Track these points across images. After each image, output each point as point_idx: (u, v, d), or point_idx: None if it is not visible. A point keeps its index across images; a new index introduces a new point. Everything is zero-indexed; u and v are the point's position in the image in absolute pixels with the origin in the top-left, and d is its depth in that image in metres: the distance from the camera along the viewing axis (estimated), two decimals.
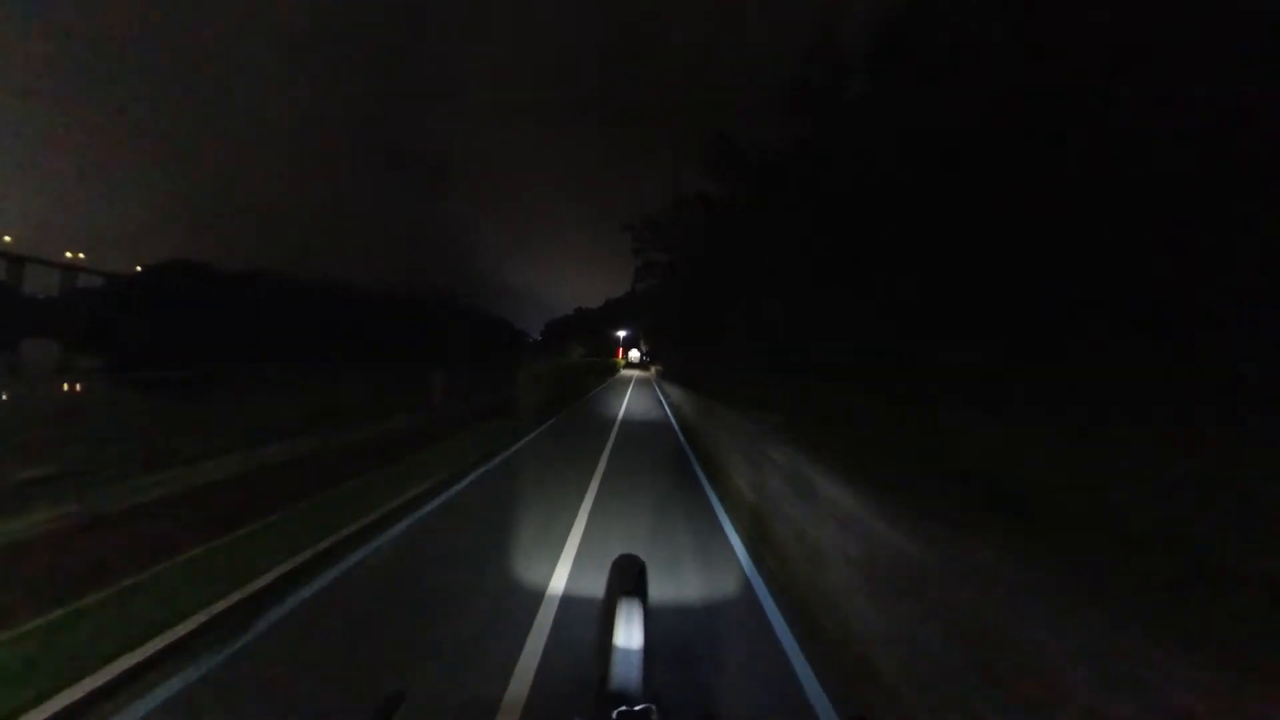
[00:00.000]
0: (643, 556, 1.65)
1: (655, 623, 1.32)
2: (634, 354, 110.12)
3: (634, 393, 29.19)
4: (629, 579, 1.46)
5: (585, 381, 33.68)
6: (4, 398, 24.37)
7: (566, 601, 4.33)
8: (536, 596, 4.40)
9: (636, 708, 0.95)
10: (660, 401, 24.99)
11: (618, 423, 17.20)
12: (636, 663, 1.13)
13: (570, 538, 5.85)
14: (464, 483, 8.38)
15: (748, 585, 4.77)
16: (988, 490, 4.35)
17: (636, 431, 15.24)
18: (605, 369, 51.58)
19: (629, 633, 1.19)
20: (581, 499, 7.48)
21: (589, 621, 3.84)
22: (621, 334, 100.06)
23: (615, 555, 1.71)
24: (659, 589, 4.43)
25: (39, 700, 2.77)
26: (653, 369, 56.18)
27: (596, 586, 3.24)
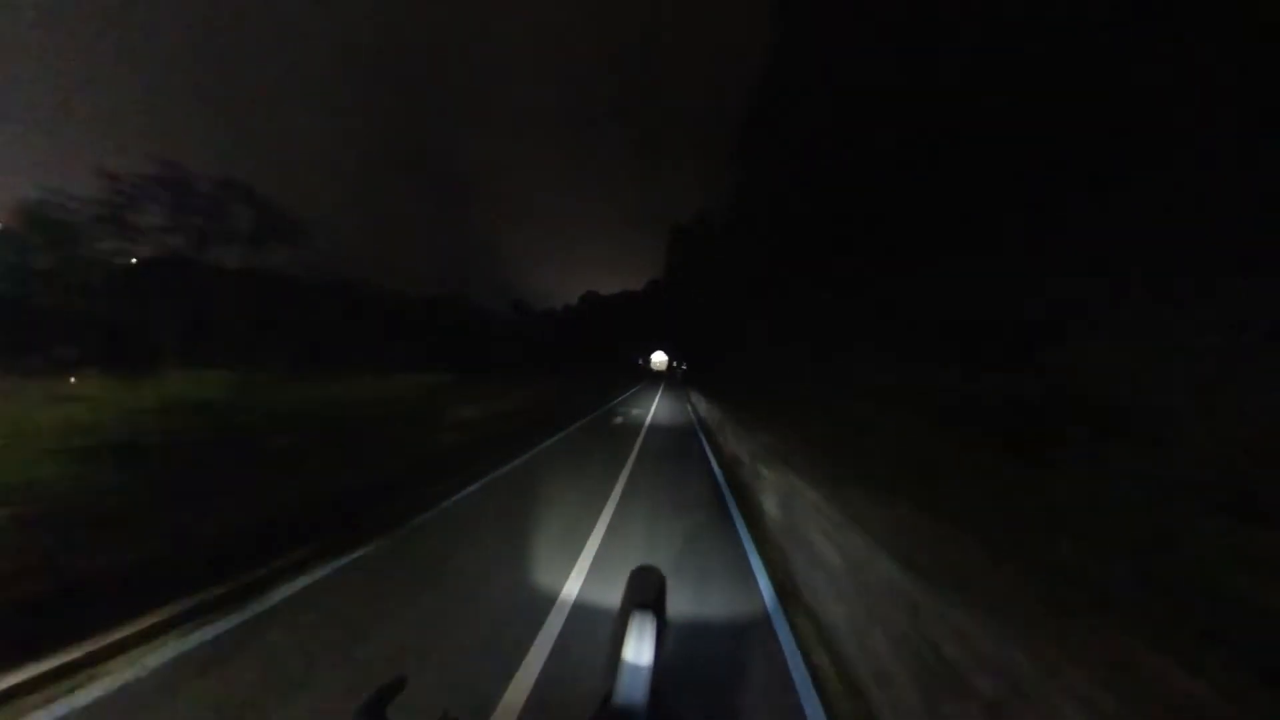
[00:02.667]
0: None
1: (671, 638, 0.89)
2: (658, 357, 75.13)
3: None
4: (646, 592, 1.37)
5: None
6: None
7: None
8: None
9: None
10: None
11: None
12: (644, 680, 1.05)
13: None
14: None
15: None
16: None
17: None
18: None
19: (640, 648, 1.11)
20: None
21: None
22: None
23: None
24: None
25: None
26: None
27: None
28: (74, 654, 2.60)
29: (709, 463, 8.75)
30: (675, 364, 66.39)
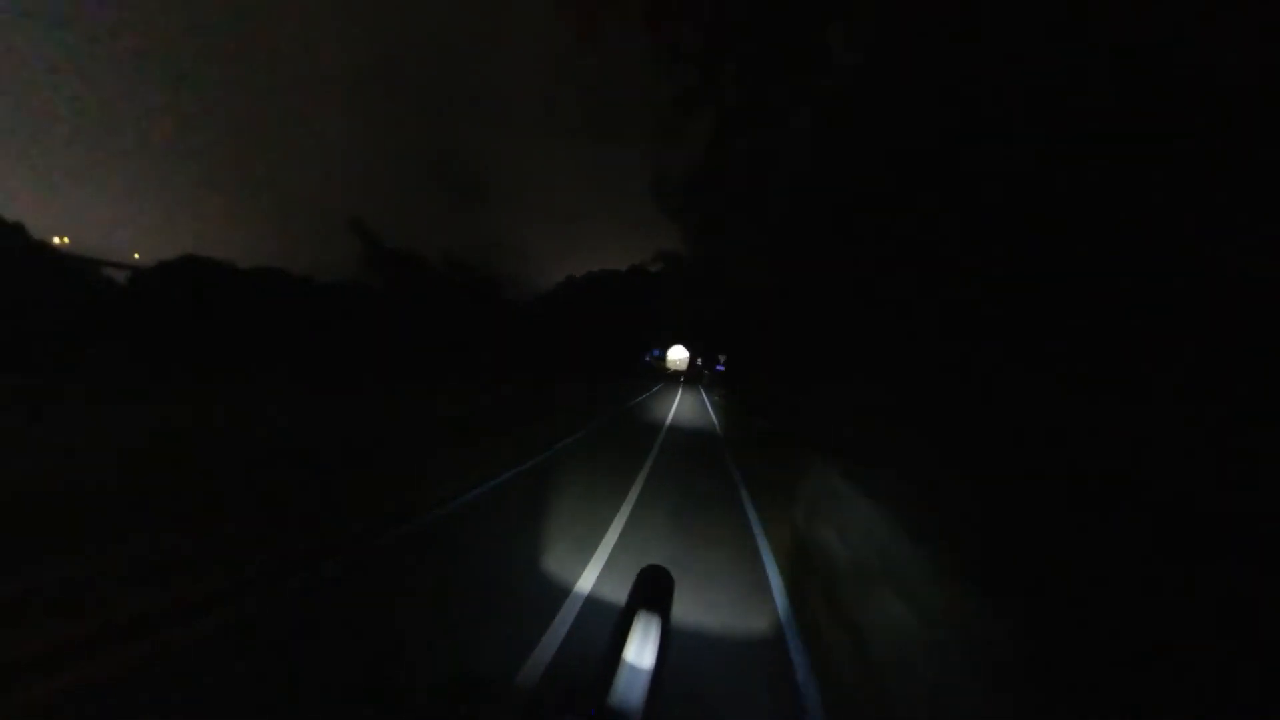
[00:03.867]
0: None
1: (675, 643, 1.17)
2: (675, 354, 61.31)
3: None
4: (654, 592, 1.31)
5: None
6: None
7: None
8: None
9: None
10: None
11: None
12: (642, 683, 1.02)
13: None
14: None
15: None
16: None
17: None
18: None
19: (642, 650, 1.08)
20: None
21: None
22: None
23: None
24: None
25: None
26: None
27: None
28: None
29: None
30: (699, 361, 50.16)
